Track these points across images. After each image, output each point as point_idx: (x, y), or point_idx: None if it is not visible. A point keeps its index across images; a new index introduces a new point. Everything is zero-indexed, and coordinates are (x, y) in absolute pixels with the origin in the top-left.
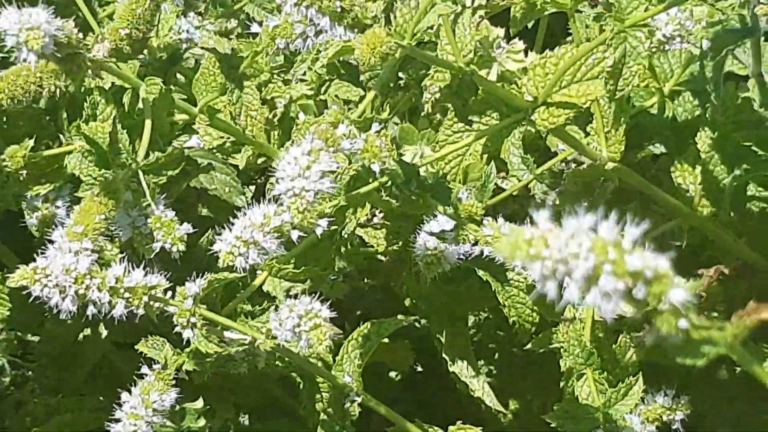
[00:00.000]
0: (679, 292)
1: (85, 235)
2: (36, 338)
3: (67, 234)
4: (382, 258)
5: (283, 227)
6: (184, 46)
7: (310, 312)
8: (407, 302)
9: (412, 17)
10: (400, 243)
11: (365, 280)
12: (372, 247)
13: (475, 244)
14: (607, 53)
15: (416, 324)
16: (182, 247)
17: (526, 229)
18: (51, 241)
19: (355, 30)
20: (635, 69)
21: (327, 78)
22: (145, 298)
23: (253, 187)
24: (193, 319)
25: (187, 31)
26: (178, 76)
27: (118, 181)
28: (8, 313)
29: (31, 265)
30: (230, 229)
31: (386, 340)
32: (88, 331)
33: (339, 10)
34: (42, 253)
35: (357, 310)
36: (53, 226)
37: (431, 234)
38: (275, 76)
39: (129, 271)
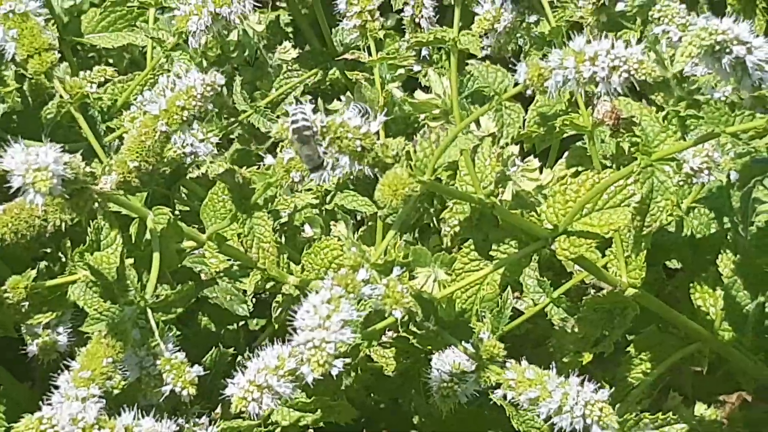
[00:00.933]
0: None
1: (92, 380)
2: None
3: (73, 380)
4: (390, 374)
5: (298, 370)
6: (188, 159)
7: None
8: (415, 419)
9: (433, 151)
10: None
11: (371, 395)
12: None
13: (498, 387)
14: (632, 187)
15: None
16: (193, 391)
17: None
18: (56, 387)
19: (376, 169)
20: (663, 204)
21: (333, 187)
22: None
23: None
24: None
25: (192, 145)
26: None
27: (126, 321)
28: None
29: (37, 415)
30: (242, 372)
31: None
32: None
33: (359, 149)
34: (47, 401)
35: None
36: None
37: (450, 376)
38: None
39: (138, 419)
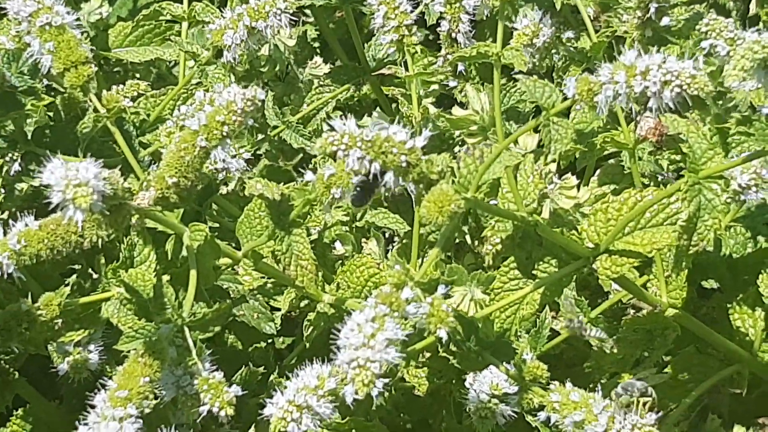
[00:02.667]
0: None
1: (129, 400)
2: None
3: (110, 399)
4: (420, 393)
5: (338, 390)
6: (220, 175)
7: None
8: None
9: (477, 168)
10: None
11: (401, 415)
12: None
13: (541, 409)
14: (677, 204)
15: None
16: (231, 411)
17: None
18: (92, 406)
19: (420, 185)
20: (710, 223)
21: None
22: None
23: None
24: None
25: (223, 161)
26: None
27: (163, 339)
28: None
29: None
30: (281, 392)
31: None
32: None
33: (405, 164)
34: (83, 420)
35: None
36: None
37: (490, 397)
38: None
39: None
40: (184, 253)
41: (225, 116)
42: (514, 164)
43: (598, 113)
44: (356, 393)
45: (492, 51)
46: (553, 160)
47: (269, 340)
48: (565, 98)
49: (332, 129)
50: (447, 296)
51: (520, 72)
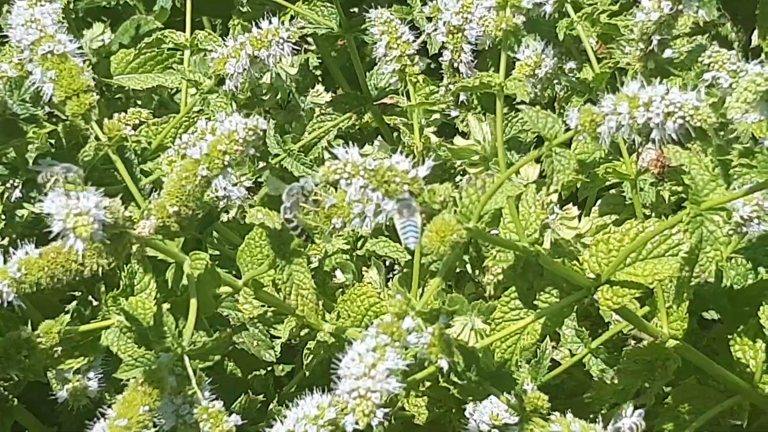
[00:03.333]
0: None
1: (128, 429)
2: None
3: (109, 428)
4: (420, 422)
5: (338, 419)
6: (221, 204)
7: None
8: None
9: (479, 198)
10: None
11: None
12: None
13: None
14: (679, 235)
15: None
16: None
17: None
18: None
19: (422, 214)
20: (712, 255)
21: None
22: None
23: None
24: None
25: (225, 189)
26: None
27: (163, 368)
28: None
29: None
30: (281, 421)
31: None
32: None
33: (407, 194)
34: None
35: None
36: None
37: (490, 427)
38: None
39: None
40: (185, 281)
41: (227, 145)
42: (516, 194)
43: (600, 144)
44: (357, 423)
45: (495, 81)
46: (555, 191)
47: (269, 368)
48: (568, 129)
49: (335, 157)
50: (447, 326)
51: (522, 102)
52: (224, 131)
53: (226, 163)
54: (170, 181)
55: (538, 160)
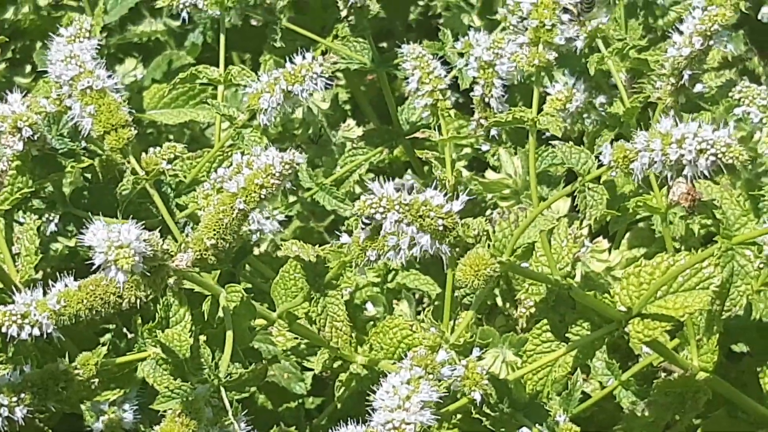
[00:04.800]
0: None
1: None
2: None
3: None
4: None
5: None
6: (254, 237)
7: None
8: None
9: (512, 232)
10: None
11: None
12: None
13: None
14: (710, 269)
15: None
16: None
17: None
18: None
19: (456, 249)
20: (743, 288)
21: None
22: None
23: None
24: None
25: (258, 222)
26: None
27: (200, 399)
28: None
29: None
30: None
31: None
32: None
33: (441, 228)
34: None
35: None
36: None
37: None
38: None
39: None
40: (220, 313)
41: (263, 179)
42: (549, 228)
43: (633, 180)
44: None
45: (527, 116)
46: (588, 225)
47: (299, 401)
48: (601, 164)
49: (370, 192)
50: (480, 358)
51: (554, 137)
52: (261, 165)
53: (262, 196)
54: (207, 215)
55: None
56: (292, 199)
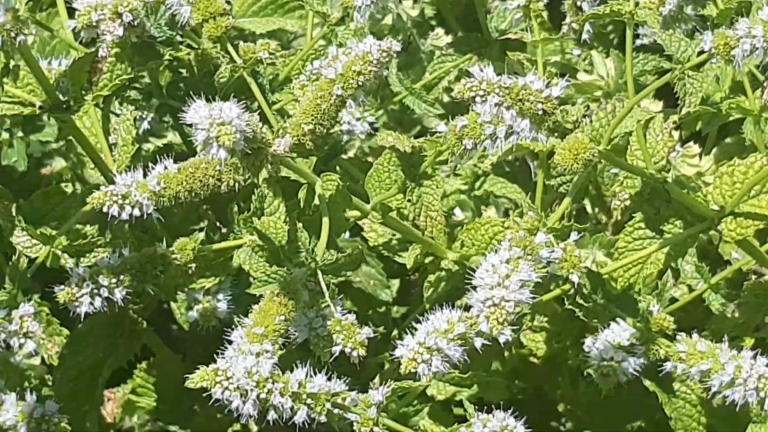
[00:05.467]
0: None
1: (265, 336)
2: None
3: (246, 335)
4: (536, 360)
5: (467, 334)
6: (345, 137)
7: (505, 429)
8: (560, 407)
9: (609, 122)
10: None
11: (516, 382)
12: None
13: (666, 360)
14: None
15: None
16: (363, 352)
17: None
18: (229, 342)
19: (555, 134)
20: None
21: (482, 173)
22: (328, 405)
23: (397, 281)
24: (376, 429)
25: (348, 123)
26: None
27: (298, 282)
28: (155, 404)
29: (212, 366)
30: (412, 334)
31: None
32: (237, 426)
33: (540, 112)
34: (221, 354)
35: None
36: (215, 321)
37: (619, 347)
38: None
39: (311, 376)
40: (315, 201)
41: (361, 66)
42: (645, 120)
43: (734, 67)
44: (491, 331)
45: (625, 9)
46: (688, 113)
47: (385, 308)
48: (701, 52)
49: (470, 75)
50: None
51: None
52: (359, 52)
53: (360, 83)
54: (305, 101)
55: (659, 96)
56: (380, 112)
